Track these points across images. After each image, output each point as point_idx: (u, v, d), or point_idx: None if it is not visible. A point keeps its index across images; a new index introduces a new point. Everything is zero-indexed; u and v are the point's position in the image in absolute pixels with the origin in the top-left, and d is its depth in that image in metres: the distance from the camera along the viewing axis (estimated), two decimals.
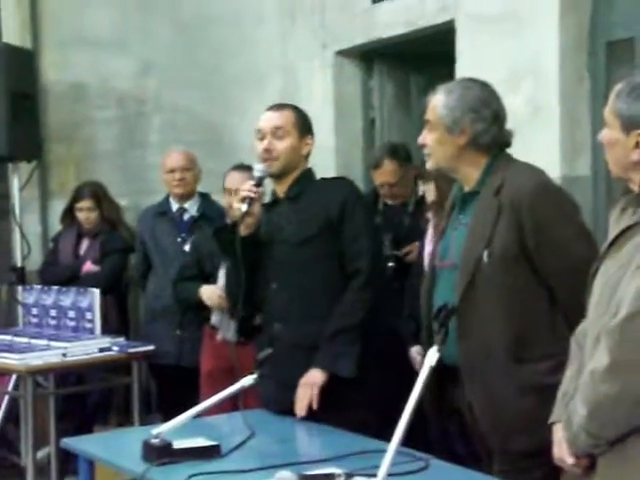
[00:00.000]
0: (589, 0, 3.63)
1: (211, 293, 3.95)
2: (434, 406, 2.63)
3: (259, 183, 2.96)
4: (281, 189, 3.09)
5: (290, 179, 3.06)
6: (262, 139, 3.03)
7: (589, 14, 3.63)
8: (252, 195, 2.92)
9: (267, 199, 3.14)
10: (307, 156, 3.09)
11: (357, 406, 2.93)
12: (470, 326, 2.47)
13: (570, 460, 2.05)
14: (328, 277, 2.98)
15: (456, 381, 2.56)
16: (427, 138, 2.62)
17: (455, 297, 2.50)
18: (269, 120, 3.03)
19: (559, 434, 2.10)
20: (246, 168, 3.94)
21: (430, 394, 2.50)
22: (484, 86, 2.63)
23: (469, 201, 2.60)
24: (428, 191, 3.59)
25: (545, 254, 2.46)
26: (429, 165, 2.66)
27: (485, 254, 2.46)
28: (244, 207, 2.91)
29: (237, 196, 3.06)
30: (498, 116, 2.59)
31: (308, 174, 3.12)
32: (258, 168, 2.99)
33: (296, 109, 3.11)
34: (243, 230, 2.96)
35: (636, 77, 1.99)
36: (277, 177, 3.07)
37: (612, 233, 2.04)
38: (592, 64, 3.64)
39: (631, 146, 1.96)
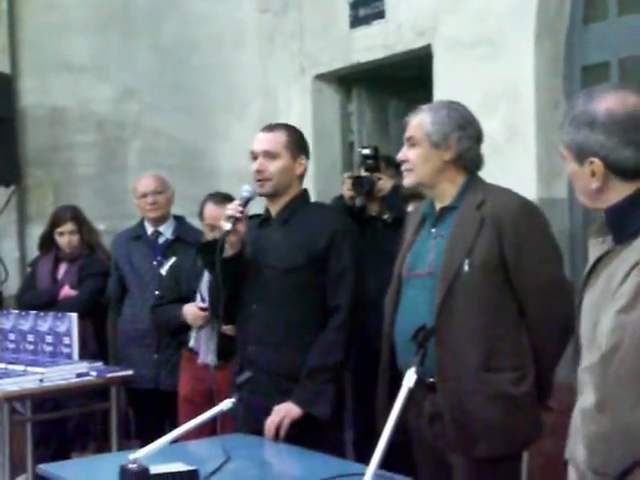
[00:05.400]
0: (564, 25, 3.67)
1: (194, 312, 3.93)
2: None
3: (245, 203, 2.96)
4: (274, 209, 3.08)
5: (283, 200, 3.05)
6: (255, 159, 3.03)
7: (564, 39, 3.67)
8: (237, 215, 2.91)
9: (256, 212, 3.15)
10: (301, 176, 3.08)
11: (332, 427, 2.94)
12: (446, 333, 2.50)
13: None
14: (309, 307, 2.97)
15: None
16: (409, 154, 2.64)
17: (428, 306, 2.54)
18: (261, 142, 3.04)
19: (573, 475, 2.03)
20: (223, 198, 3.94)
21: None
22: (466, 108, 2.69)
23: (445, 215, 2.64)
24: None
25: (521, 271, 2.53)
26: (408, 181, 2.68)
27: (466, 263, 2.52)
28: (228, 226, 2.90)
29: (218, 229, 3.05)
30: (480, 137, 2.67)
31: (302, 197, 3.10)
32: (246, 189, 2.99)
33: (290, 129, 3.10)
34: (227, 249, 2.94)
35: (575, 107, 1.93)
36: (270, 197, 3.07)
37: (590, 261, 2.02)
38: (567, 88, 3.68)
39: (588, 175, 1.91)
